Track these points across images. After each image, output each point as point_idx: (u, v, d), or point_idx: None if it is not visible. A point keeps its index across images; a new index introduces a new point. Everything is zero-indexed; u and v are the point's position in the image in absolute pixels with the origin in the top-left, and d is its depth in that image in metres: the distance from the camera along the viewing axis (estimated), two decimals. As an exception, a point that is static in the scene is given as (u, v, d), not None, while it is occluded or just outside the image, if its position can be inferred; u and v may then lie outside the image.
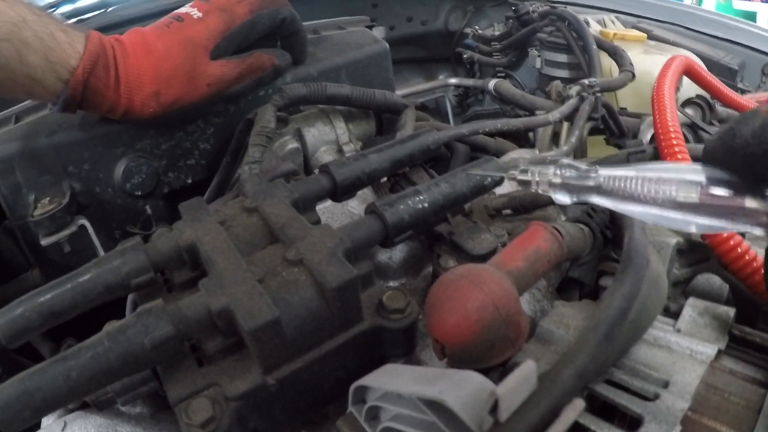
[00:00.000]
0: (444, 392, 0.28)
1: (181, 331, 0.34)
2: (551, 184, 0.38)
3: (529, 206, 0.56)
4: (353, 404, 0.35)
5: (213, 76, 0.62)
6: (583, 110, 0.78)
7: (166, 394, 0.35)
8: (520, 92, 0.94)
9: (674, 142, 0.59)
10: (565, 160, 0.38)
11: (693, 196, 0.31)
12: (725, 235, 0.47)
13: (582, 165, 0.37)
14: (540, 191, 0.39)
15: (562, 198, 0.37)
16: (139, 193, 0.67)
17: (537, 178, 0.38)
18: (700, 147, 0.68)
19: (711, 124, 0.81)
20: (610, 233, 0.50)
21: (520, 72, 1.33)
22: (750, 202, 0.30)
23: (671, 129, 0.60)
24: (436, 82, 1.45)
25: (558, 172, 0.37)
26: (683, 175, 0.32)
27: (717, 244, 0.47)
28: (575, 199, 0.37)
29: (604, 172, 0.34)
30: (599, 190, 0.35)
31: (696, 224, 0.32)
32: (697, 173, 0.32)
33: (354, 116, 0.72)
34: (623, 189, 0.33)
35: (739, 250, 0.46)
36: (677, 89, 0.76)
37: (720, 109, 0.83)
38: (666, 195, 0.32)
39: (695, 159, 0.59)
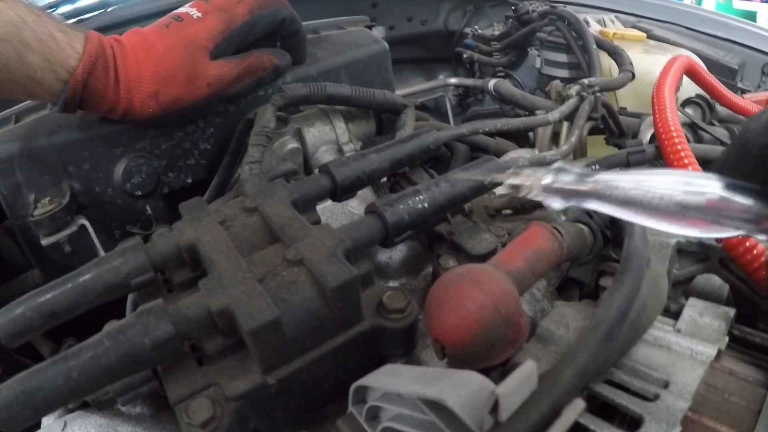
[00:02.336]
0: (444, 392, 0.28)
1: (181, 331, 0.34)
2: (545, 189, 0.35)
3: (529, 206, 0.56)
4: (353, 404, 0.35)
5: (212, 76, 0.62)
6: (583, 110, 0.78)
7: (166, 393, 0.35)
8: (520, 92, 0.94)
9: (676, 141, 0.59)
10: (560, 164, 0.36)
11: (699, 200, 0.30)
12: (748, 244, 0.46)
13: (577, 168, 0.35)
14: (531, 197, 0.36)
15: (555, 204, 0.35)
16: (139, 193, 0.67)
17: (528, 183, 0.35)
18: (701, 146, 0.68)
19: (711, 123, 0.81)
20: (610, 233, 0.50)
21: (520, 72, 1.33)
22: (758, 207, 0.29)
23: (672, 128, 0.60)
24: (435, 82, 1.45)
25: (553, 176, 0.35)
26: (686, 179, 0.32)
27: (724, 238, 0.47)
28: (569, 204, 0.35)
29: (604, 177, 0.33)
30: (597, 195, 0.33)
31: (700, 230, 0.32)
32: (700, 177, 0.31)
33: (354, 116, 0.72)
34: (623, 194, 0.32)
35: (747, 244, 0.46)
36: (677, 89, 0.76)
37: (720, 108, 0.83)
38: (669, 200, 0.31)
39: (697, 159, 0.59)
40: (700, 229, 0.31)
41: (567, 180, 0.34)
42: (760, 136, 0.29)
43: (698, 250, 0.51)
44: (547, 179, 0.35)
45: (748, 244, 0.46)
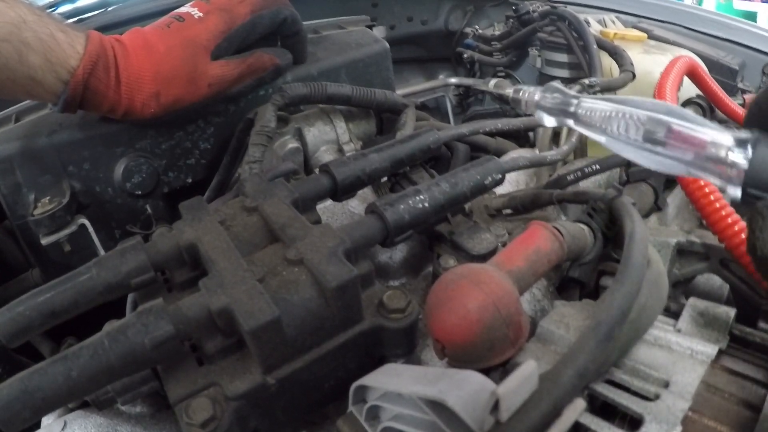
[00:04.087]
0: (445, 392, 0.28)
1: (182, 330, 0.34)
2: (537, 105, 0.40)
3: (529, 206, 0.56)
4: (353, 404, 0.35)
5: (214, 76, 0.62)
6: (584, 110, 0.78)
7: (166, 393, 0.35)
8: (521, 92, 0.94)
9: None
10: (554, 84, 0.40)
11: (659, 134, 0.32)
12: (736, 228, 0.46)
13: (568, 92, 0.39)
14: (527, 111, 0.42)
15: (546, 119, 0.40)
16: (139, 193, 0.67)
17: (525, 98, 0.41)
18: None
19: (711, 123, 0.80)
20: (610, 233, 0.50)
21: (521, 72, 1.33)
22: (714, 148, 0.30)
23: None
24: (436, 81, 1.44)
25: (545, 94, 0.40)
26: (653, 113, 0.32)
27: (728, 237, 0.47)
28: (555, 122, 0.39)
29: (585, 104, 0.36)
30: (576, 117, 0.37)
31: (658, 162, 0.33)
32: (668, 113, 0.32)
33: (354, 116, 0.72)
34: (597, 121, 0.35)
35: None
36: (677, 89, 0.76)
37: (720, 108, 0.83)
38: (633, 133, 0.33)
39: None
40: (660, 163, 0.33)
41: (554, 99, 0.39)
42: None
43: (699, 249, 0.51)
44: (537, 96, 0.41)
45: None
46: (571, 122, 0.38)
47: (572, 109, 0.37)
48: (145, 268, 0.39)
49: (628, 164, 0.64)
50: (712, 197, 0.49)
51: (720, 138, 0.30)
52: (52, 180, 0.62)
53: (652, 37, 1.15)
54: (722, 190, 0.31)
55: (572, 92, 0.39)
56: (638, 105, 0.34)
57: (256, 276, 0.36)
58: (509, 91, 0.43)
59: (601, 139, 0.35)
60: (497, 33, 1.35)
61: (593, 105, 0.35)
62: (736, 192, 0.29)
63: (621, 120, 0.34)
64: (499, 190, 0.58)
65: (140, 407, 0.46)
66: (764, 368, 0.36)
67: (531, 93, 0.41)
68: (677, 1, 1.38)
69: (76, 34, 0.56)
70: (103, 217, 0.66)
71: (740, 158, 0.29)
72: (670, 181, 0.63)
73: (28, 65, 0.52)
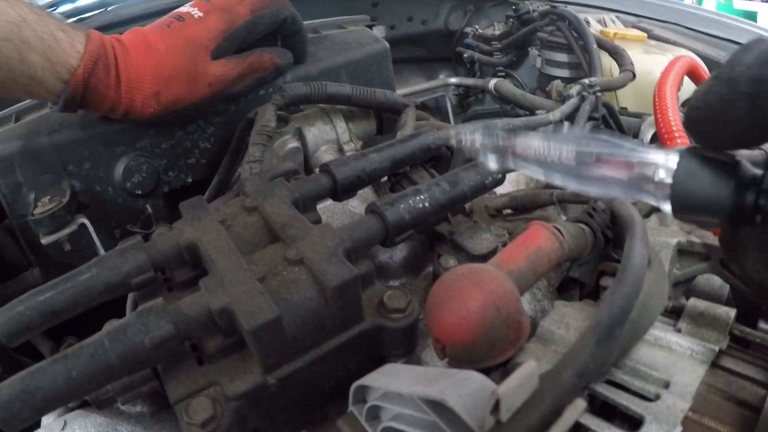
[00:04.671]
0: (445, 392, 0.28)
1: (182, 330, 0.34)
2: (479, 148, 0.41)
3: (530, 206, 0.56)
4: (354, 404, 0.35)
5: (214, 75, 0.62)
6: (584, 110, 0.78)
7: (166, 393, 0.35)
8: (521, 92, 0.94)
9: (678, 141, 0.59)
10: (492, 124, 0.40)
11: (590, 164, 0.33)
12: None
13: (504, 131, 0.40)
14: (470, 155, 0.42)
15: (490, 162, 0.40)
16: (140, 192, 0.67)
17: (468, 142, 0.42)
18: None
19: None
20: (610, 233, 0.50)
21: (521, 71, 1.33)
22: (642, 169, 0.30)
23: (674, 128, 0.60)
24: (436, 81, 1.44)
25: (485, 138, 0.40)
26: (583, 143, 0.34)
27: None
28: (497, 161, 0.40)
29: (520, 142, 0.37)
30: (514, 155, 0.38)
31: (596, 189, 0.34)
32: (596, 143, 0.33)
33: (354, 115, 0.72)
34: (533, 157, 0.36)
35: None
36: (678, 89, 0.76)
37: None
38: (566, 162, 0.34)
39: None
40: (597, 189, 0.33)
41: (493, 140, 0.40)
42: (752, 68, 0.26)
43: (699, 250, 0.51)
44: (478, 139, 0.41)
45: None
46: (511, 161, 0.39)
47: (510, 148, 0.39)
48: (145, 267, 0.39)
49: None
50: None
51: (647, 158, 0.31)
52: (52, 179, 0.62)
53: (652, 36, 1.15)
54: (657, 209, 0.31)
55: (506, 131, 0.40)
56: (567, 139, 0.35)
57: (257, 276, 0.36)
58: (451, 133, 0.45)
59: (539, 173, 0.37)
60: (497, 33, 1.35)
61: (527, 142, 0.37)
62: (667, 208, 0.30)
63: (554, 154, 0.35)
64: (499, 190, 0.58)
65: (140, 407, 0.46)
66: (764, 368, 0.36)
67: (472, 137, 0.42)
68: (677, 1, 1.38)
69: (77, 33, 0.56)
70: (103, 217, 0.66)
71: (665, 175, 0.29)
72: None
73: (28, 64, 0.52)
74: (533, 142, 0.36)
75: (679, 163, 0.29)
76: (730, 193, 0.28)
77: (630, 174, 0.31)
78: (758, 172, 0.28)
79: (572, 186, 0.35)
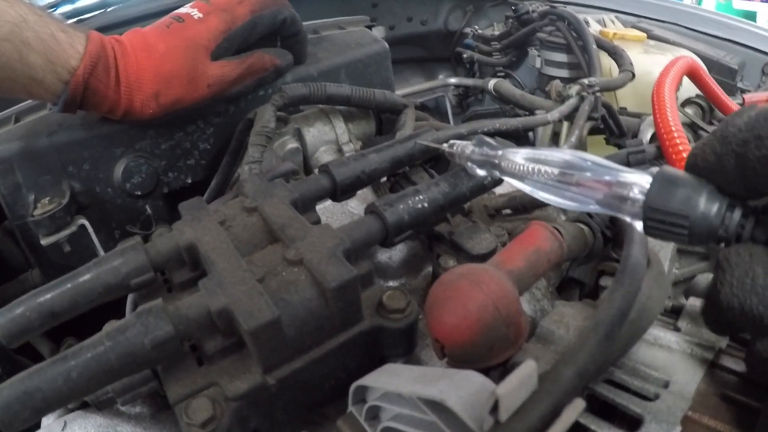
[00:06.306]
0: (444, 392, 0.28)
1: (181, 331, 0.34)
2: (468, 158, 0.44)
3: (529, 206, 0.56)
4: (353, 404, 0.35)
5: (213, 76, 0.62)
6: (583, 110, 0.78)
7: (166, 393, 0.35)
8: (520, 92, 0.94)
9: (677, 141, 0.59)
10: (483, 138, 0.43)
11: (571, 182, 0.35)
12: None
13: (494, 145, 0.42)
14: (460, 164, 0.45)
15: (478, 170, 0.44)
16: (139, 193, 0.67)
17: (458, 152, 0.45)
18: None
19: (711, 123, 0.81)
20: (610, 233, 0.50)
21: (520, 72, 1.33)
22: (618, 188, 0.32)
23: (673, 128, 0.60)
24: (435, 81, 1.45)
25: (475, 149, 0.43)
26: (565, 158, 0.36)
27: None
28: (485, 172, 0.43)
29: (507, 156, 0.40)
30: (500, 168, 0.40)
31: (575, 204, 0.36)
32: (578, 158, 0.35)
33: (354, 116, 0.72)
34: (518, 172, 0.39)
35: None
36: (677, 89, 0.76)
37: (720, 109, 0.83)
38: (547, 178, 0.36)
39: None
40: (577, 204, 0.36)
41: (482, 152, 0.43)
42: (742, 130, 0.29)
43: (699, 249, 0.51)
44: (468, 150, 0.44)
45: None
46: (497, 173, 0.41)
47: (496, 161, 0.41)
48: (144, 268, 0.39)
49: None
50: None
51: (623, 178, 0.33)
52: (51, 180, 0.62)
53: (651, 37, 1.15)
54: (631, 227, 0.34)
55: (496, 145, 0.42)
56: (551, 158, 0.37)
57: (256, 276, 0.36)
58: (444, 146, 0.47)
59: (525, 187, 0.39)
60: (497, 33, 1.36)
61: (513, 158, 0.39)
62: (640, 225, 0.32)
63: (537, 170, 0.37)
64: (499, 190, 0.58)
65: (140, 407, 0.46)
66: (764, 368, 0.36)
67: (463, 147, 0.45)
68: (677, 1, 1.38)
69: (77, 34, 0.56)
70: (102, 218, 0.66)
71: (638, 194, 0.32)
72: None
73: (28, 65, 0.52)
74: (518, 159, 0.39)
75: (652, 183, 0.31)
76: (701, 208, 0.30)
77: (607, 192, 0.33)
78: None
79: (553, 201, 0.37)
